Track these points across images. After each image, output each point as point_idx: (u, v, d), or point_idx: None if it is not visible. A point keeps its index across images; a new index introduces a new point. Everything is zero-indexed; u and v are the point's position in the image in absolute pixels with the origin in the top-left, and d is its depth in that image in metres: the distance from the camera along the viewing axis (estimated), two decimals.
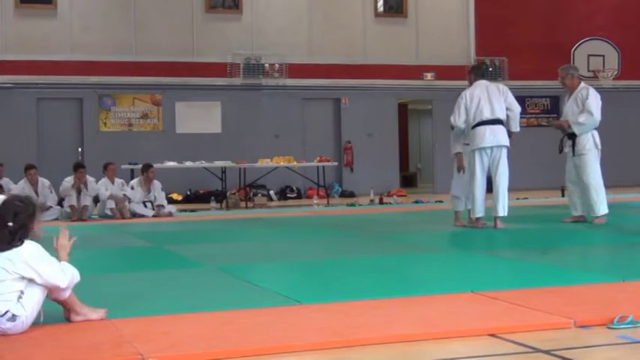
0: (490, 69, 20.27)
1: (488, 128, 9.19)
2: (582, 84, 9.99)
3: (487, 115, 9.21)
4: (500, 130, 9.28)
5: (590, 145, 9.82)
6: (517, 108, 9.45)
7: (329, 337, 3.98)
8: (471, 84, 9.55)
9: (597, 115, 9.72)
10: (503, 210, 9.31)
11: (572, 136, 9.93)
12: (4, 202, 4.50)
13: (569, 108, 9.97)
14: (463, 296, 4.96)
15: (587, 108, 9.71)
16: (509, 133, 9.43)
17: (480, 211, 9.36)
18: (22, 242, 4.31)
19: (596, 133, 9.90)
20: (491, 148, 9.24)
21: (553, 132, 21.24)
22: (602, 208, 9.77)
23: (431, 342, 3.92)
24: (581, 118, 9.75)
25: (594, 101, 9.72)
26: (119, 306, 4.82)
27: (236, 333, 4.07)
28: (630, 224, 10.26)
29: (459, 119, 9.32)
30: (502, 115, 9.29)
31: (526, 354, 3.67)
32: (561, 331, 4.07)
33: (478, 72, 9.80)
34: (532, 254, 7.28)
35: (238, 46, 18.94)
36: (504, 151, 9.32)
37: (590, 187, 9.79)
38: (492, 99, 9.26)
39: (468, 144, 9.63)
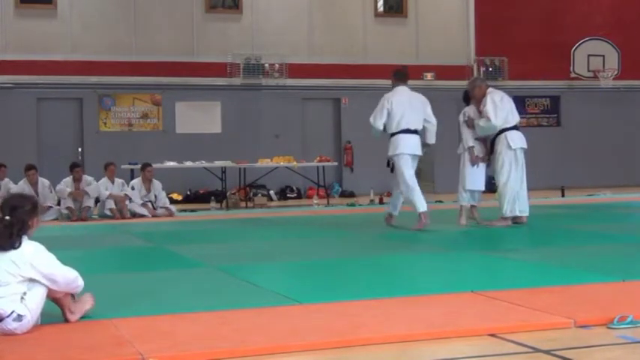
0: (490, 69, 20.30)
1: (413, 137, 9.68)
2: (488, 90, 9.88)
3: (411, 125, 9.67)
4: (419, 141, 9.77)
5: (502, 147, 9.71)
6: (435, 121, 9.88)
7: (329, 337, 3.98)
8: (392, 87, 9.93)
9: (494, 120, 9.59)
10: (395, 210, 10.17)
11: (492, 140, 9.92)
12: (5, 198, 4.52)
13: (476, 115, 9.94)
14: (463, 296, 4.96)
15: (484, 114, 9.68)
16: (425, 144, 9.92)
17: (422, 206, 9.67)
18: (20, 240, 4.30)
19: (512, 134, 9.76)
20: (414, 156, 9.72)
21: (553, 132, 21.42)
22: (504, 210, 9.66)
23: (431, 342, 3.92)
24: (481, 122, 9.73)
25: (491, 107, 9.61)
26: (119, 306, 4.82)
27: (236, 333, 4.07)
28: (625, 225, 10.27)
29: (379, 121, 9.74)
30: (420, 127, 9.78)
31: (526, 354, 3.67)
32: (561, 331, 4.07)
33: (400, 77, 10.07)
34: (532, 254, 7.29)
35: (238, 46, 18.93)
36: (417, 161, 9.84)
37: (498, 187, 9.81)
38: (415, 110, 9.74)
39: (477, 139, 9.94)
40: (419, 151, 9.73)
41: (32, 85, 17.77)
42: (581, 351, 3.71)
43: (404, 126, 9.65)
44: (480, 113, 9.85)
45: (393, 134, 9.70)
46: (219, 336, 4.04)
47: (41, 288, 4.32)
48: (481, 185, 10.14)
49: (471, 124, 9.92)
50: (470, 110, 10.02)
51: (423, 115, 9.80)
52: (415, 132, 9.72)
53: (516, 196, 9.74)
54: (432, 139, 9.97)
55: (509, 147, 9.71)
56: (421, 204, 9.66)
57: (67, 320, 4.46)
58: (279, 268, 6.78)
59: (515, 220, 9.84)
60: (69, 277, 4.41)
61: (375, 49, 19.89)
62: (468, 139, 9.95)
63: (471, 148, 9.92)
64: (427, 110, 9.85)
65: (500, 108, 9.66)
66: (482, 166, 10.03)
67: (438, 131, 10.02)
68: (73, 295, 4.51)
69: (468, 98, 10.21)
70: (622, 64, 20.92)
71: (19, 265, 4.24)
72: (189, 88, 18.63)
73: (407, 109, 9.68)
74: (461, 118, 10.11)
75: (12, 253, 4.26)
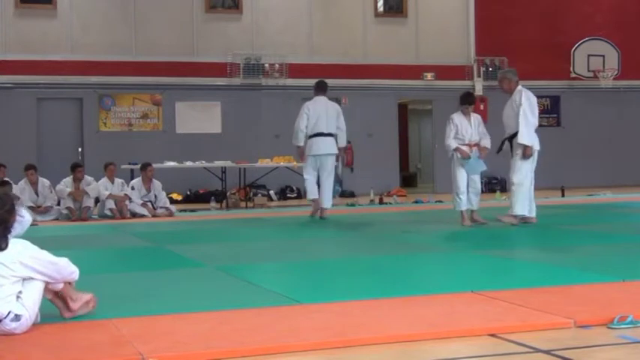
0: (490, 69, 20.31)
1: (323, 140, 11.55)
2: (519, 87, 9.97)
3: (324, 129, 11.53)
4: (332, 141, 11.63)
5: (522, 147, 9.73)
6: (344, 127, 11.73)
7: (329, 337, 3.98)
8: (314, 96, 11.75)
9: (532, 118, 9.71)
10: (328, 203, 11.90)
11: (512, 137, 9.92)
12: None
13: (505, 112, 10.02)
14: (463, 296, 4.96)
15: (520, 111, 9.70)
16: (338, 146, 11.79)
17: (311, 194, 11.81)
18: (6, 241, 4.28)
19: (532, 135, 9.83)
20: (325, 155, 11.63)
21: (553, 132, 21.45)
22: (517, 209, 9.73)
23: (431, 342, 3.92)
24: (522, 127, 9.69)
25: (527, 105, 9.72)
26: (119, 306, 4.82)
27: (236, 333, 4.07)
28: (625, 225, 10.27)
29: (302, 125, 11.54)
30: (334, 131, 11.62)
31: (526, 354, 3.67)
32: (561, 331, 4.07)
33: (320, 88, 11.83)
34: (532, 254, 7.29)
35: (238, 46, 18.94)
36: (333, 158, 11.88)
37: (512, 185, 9.84)
38: (329, 117, 11.56)
39: (467, 144, 9.97)
40: (332, 150, 11.67)
41: (32, 85, 17.78)
42: (581, 351, 3.70)
43: (317, 130, 11.53)
44: (469, 120, 9.99)
45: (310, 137, 11.58)
46: (219, 336, 4.04)
47: (37, 283, 4.31)
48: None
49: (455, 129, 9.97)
50: (456, 117, 10.04)
51: (336, 122, 11.61)
52: (329, 135, 11.59)
53: (529, 197, 9.78)
54: (342, 142, 11.83)
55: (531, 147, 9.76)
56: (310, 194, 11.91)
57: (70, 309, 4.46)
58: (279, 268, 6.78)
59: (525, 220, 9.87)
60: (61, 265, 4.39)
61: (375, 49, 19.90)
62: (450, 144, 9.96)
63: (457, 149, 9.94)
64: (340, 118, 11.65)
65: (534, 107, 9.81)
66: (474, 154, 9.98)
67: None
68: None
69: (464, 100, 10.21)
70: (622, 64, 20.92)
71: (9, 266, 4.22)
72: (189, 88, 18.63)
73: (322, 115, 11.51)
74: (447, 123, 10.11)
75: (0, 256, 4.25)
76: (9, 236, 4.31)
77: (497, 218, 9.90)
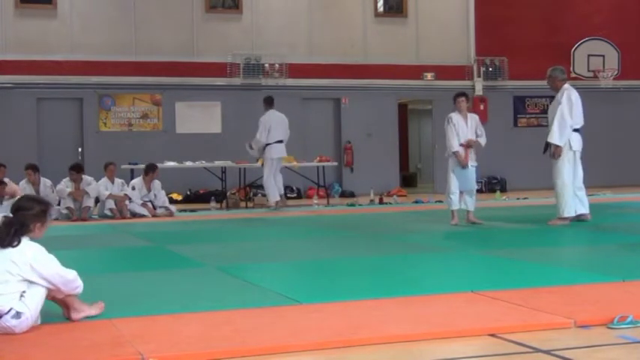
0: (490, 69, 20.33)
1: (280, 145, 14.16)
2: (565, 85, 9.97)
3: (278, 137, 14.10)
4: (283, 147, 14.25)
5: (564, 147, 9.76)
6: (288, 134, 14.37)
7: (329, 337, 3.98)
8: (265, 110, 14.34)
9: (569, 118, 9.68)
10: (281, 190, 14.37)
11: None
12: (19, 197, 4.60)
13: (549, 110, 10.07)
14: (463, 296, 4.96)
15: (559, 110, 9.73)
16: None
17: (272, 198, 14.16)
18: (19, 240, 4.30)
19: (574, 136, 9.82)
20: (279, 158, 14.21)
21: None
22: (566, 212, 9.77)
23: (431, 342, 3.93)
24: (554, 126, 9.72)
25: (567, 105, 9.72)
26: (119, 306, 4.82)
27: (236, 333, 4.08)
28: (626, 225, 10.27)
29: (263, 137, 14.08)
30: (284, 137, 14.24)
31: (526, 354, 3.67)
32: (561, 331, 4.07)
33: (269, 103, 14.39)
34: (532, 254, 7.29)
35: (238, 46, 18.93)
36: (281, 159, 14.36)
37: (556, 188, 9.86)
38: (280, 127, 14.19)
39: (462, 145, 10.11)
40: (284, 154, 14.32)
41: (32, 85, 17.77)
42: (581, 351, 3.71)
43: (273, 139, 14.07)
44: (466, 120, 10.10)
45: (267, 144, 14.08)
46: (219, 336, 4.04)
47: (41, 288, 4.32)
48: (472, 185, 10.23)
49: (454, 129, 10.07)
50: (454, 116, 10.11)
51: (286, 130, 14.27)
52: (281, 141, 14.17)
53: (574, 196, 9.80)
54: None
55: (570, 148, 9.78)
56: (271, 197, 14.20)
57: (69, 318, 4.46)
58: (279, 268, 6.78)
59: (580, 218, 9.93)
60: (67, 278, 4.41)
61: (375, 49, 19.89)
62: (453, 144, 10.05)
63: (456, 153, 10.02)
64: (287, 128, 14.31)
65: (575, 106, 9.77)
66: (472, 168, 10.16)
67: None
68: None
69: (456, 96, 10.30)
70: (622, 64, 20.90)
71: (19, 266, 4.25)
72: (189, 88, 18.63)
73: (274, 126, 14.12)
74: (446, 123, 10.22)
75: (12, 253, 4.27)
76: (24, 238, 4.34)
77: (549, 224, 9.81)
